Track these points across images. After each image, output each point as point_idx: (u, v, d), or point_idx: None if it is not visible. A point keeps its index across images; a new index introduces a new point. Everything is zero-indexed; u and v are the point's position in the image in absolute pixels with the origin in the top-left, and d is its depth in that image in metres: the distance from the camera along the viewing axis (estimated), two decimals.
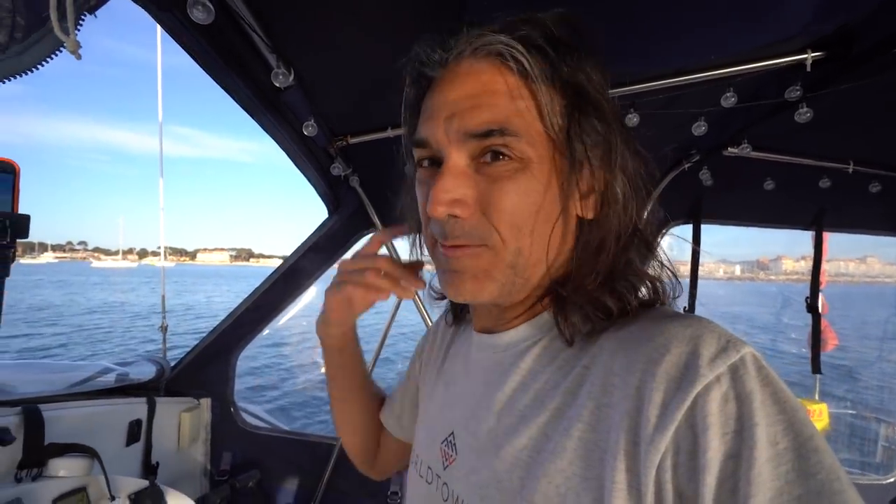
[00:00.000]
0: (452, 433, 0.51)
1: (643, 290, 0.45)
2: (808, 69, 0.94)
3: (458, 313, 0.63)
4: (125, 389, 1.50)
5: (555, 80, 0.41)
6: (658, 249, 0.47)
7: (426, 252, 0.52)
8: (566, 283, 0.44)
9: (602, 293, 0.42)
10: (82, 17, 0.58)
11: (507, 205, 0.41)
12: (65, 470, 1.06)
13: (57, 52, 0.57)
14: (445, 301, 0.62)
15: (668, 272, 0.46)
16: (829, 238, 2.00)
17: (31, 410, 1.12)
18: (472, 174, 0.42)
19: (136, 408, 1.46)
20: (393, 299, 1.75)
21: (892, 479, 1.88)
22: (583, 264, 0.44)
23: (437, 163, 0.45)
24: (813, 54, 0.92)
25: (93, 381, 1.40)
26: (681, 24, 0.87)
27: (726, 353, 0.34)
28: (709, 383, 0.33)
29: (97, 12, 0.58)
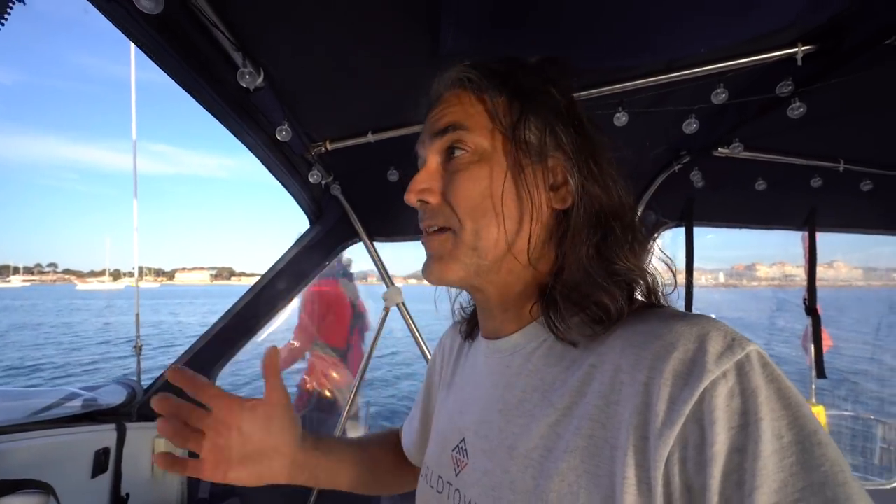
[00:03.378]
0: (463, 439, 0.51)
1: (641, 286, 0.46)
2: (799, 63, 0.91)
3: (471, 328, 0.63)
4: (92, 416, 1.39)
5: (503, 90, 0.49)
6: (652, 246, 0.50)
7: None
8: (555, 281, 0.46)
9: (594, 289, 0.44)
10: (11, 4, 0.52)
11: (461, 190, 0.47)
12: None
13: None
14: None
15: (665, 265, 0.49)
16: (795, 246, 1.96)
17: None
18: (440, 171, 0.50)
19: (103, 435, 1.35)
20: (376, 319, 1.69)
21: (895, 484, 1.84)
22: (566, 254, 0.46)
23: None
24: (803, 48, 0.90)
25: (56, 409, 1.30)
26: (668, 16, 0.83)
27: (732, 350, 0.35)
28: (715, 379, 0.34)
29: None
